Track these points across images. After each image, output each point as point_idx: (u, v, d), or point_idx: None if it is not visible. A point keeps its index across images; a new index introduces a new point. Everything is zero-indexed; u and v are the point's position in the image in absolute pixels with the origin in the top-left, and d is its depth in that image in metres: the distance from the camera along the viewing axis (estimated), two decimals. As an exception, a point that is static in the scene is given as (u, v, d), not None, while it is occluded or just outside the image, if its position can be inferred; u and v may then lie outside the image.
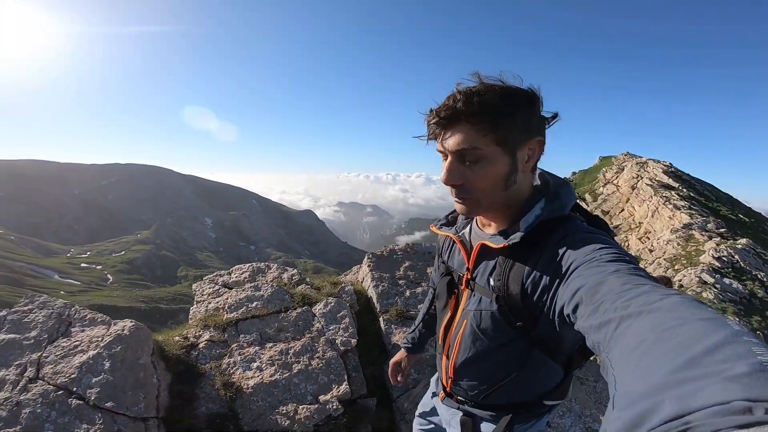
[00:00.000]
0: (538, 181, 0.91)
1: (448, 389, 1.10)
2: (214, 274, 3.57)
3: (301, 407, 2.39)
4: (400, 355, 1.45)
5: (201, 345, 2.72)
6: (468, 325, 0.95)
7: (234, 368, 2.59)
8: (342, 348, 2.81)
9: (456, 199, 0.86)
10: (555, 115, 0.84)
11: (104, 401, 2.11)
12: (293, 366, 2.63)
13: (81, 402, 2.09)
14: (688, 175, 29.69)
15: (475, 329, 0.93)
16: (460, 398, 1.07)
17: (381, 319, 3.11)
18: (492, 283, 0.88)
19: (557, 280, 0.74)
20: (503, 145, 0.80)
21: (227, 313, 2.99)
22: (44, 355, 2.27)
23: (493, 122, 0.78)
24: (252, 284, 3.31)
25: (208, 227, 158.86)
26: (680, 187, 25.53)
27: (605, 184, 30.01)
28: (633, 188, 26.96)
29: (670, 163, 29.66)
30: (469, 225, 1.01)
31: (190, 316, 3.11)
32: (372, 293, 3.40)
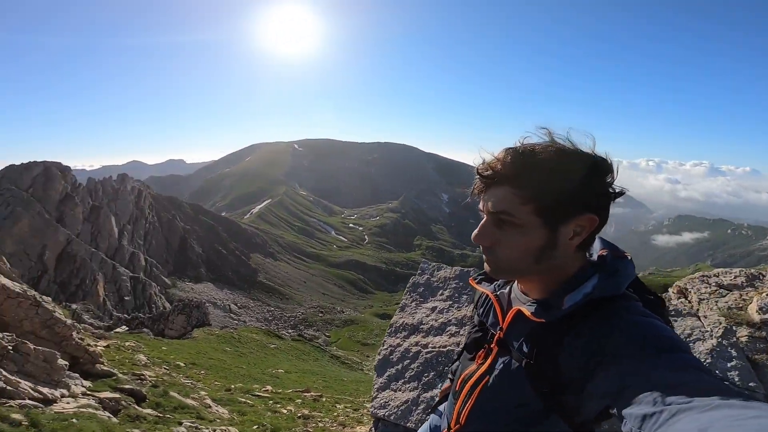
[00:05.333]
0: (593, 254, 0.85)
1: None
2: (701, 274, 3.29)
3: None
4: None
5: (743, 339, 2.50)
6: (491, 381, 0.92)
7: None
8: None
9: (484, 256, 0.85)
10: (621, 192, 0.77)
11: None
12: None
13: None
14: None
15: (497, 387, 0.91)
16: None
17: None
18: (524, 349, 0.84)
19: (598, 363, 0.68)
20: (543, 216, 0.74)
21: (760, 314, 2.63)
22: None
23: (536, 190, 0.73)
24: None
25: (444, 202, 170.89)
26: None
27: None
28: None
29: None
30: (510, 283, 0.96)
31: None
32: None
